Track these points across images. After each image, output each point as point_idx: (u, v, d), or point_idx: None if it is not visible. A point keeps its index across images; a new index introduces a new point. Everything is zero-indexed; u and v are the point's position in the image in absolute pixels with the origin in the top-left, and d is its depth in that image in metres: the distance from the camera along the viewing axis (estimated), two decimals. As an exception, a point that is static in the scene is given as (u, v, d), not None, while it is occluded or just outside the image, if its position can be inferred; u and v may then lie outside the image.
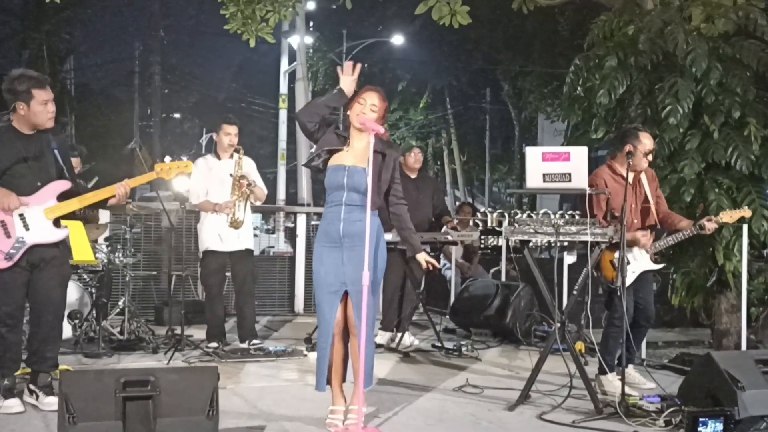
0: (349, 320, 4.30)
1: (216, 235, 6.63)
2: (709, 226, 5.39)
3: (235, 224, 6.58)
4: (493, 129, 33.73)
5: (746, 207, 5.88)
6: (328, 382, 4.39)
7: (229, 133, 6.67)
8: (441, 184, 19.89)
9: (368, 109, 4.32)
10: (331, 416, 4.37)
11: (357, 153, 4.33)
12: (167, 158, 4.85)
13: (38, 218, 4.53)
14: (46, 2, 7.76)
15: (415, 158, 7.39)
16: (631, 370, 5.57)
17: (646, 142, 5.41)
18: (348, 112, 4.40)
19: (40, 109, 4.50)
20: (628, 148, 5.32)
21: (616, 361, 5.39)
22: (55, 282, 4.67)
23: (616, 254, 5.22)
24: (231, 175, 6.59)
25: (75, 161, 6.58)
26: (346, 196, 4.28)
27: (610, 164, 5.57)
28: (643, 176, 5.55)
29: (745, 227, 6.24)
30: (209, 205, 6.64)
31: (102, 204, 4.85)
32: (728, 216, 5.53)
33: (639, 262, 5.42)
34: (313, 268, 4.41)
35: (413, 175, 7.40)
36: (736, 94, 6.43)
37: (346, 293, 4.32)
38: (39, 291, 4.61)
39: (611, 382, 5.31)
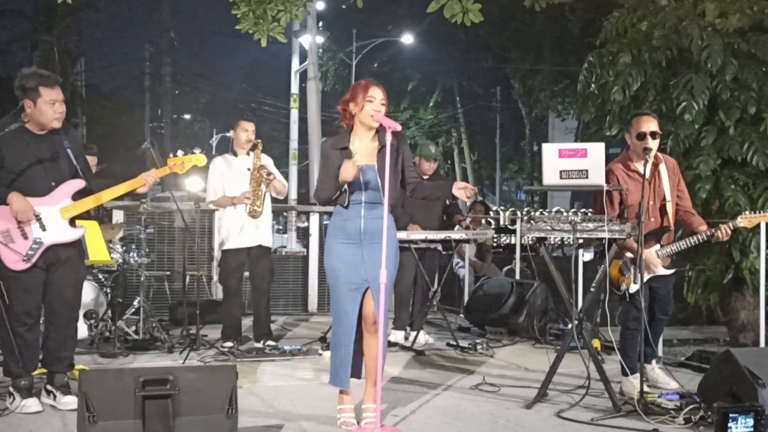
0: (367, 317, 4.25)
1: (237, 229, 6.60)
2: (719, 235, 5.17)
3: (254, 213, 6.55)
4: (503, 128, 33.70)
5: (766, 212, 5.69)
6: (354, 375, 4.35)
7: (247, 130, 6.68)
8: (452, 183, 19.86)
9: (379, 105, 4.26)
10: (343, 415, 4.34)
11: (366, 151, 4.29)
12: (179, 152, 4.84)
13: (54, 218, 4.54)
14: (57, 3, 7.79)
15: (429, 167, 7.36)
16: (654, 367, 5.51)
17: (641, 125, 5.19)
18: (354, 110, 4.29)
19: (46, 108, 4.49)
20: (627, 140, 5.30)
21: (637, 363, 5.28)
22: (70, 282, 4.67)
23: (626, 255, 5.17)
24: (248, 169, 6.59)
25: (92, 159, 6.61)
26: (364, 194, 4.24)
27: (623, 160, 5.39)
28: (663, 169, 5.33)
29: (762, 223, 6.18)
30: (227, 200, 6.63)
31: (123, 197, 4.85)
32: (747, 221, 5.27)
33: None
34: (328, 263, 4.33)
35: (426, 176, 7.37)
36: (752, 90, 6.39)
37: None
38: (54, 291, 4.61)
39: (632, 383, 5.16)
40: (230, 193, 6.64)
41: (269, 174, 6.54)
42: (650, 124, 5.22)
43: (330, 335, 4.40)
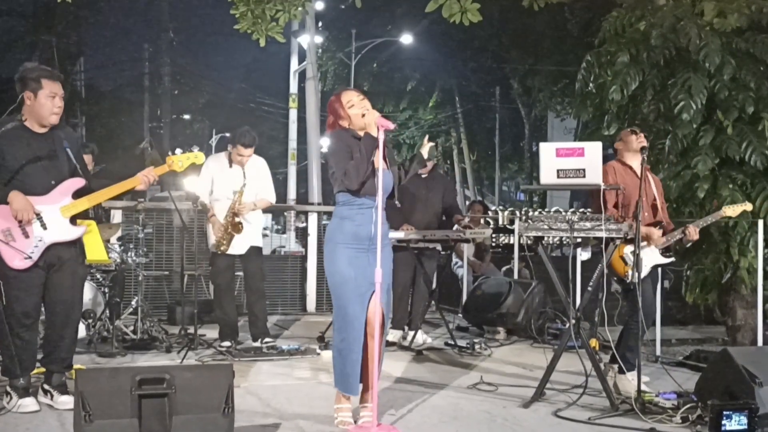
0: (371, 320, 4.22)
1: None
2: (688, 232, 5.34)
3: (220, 250, 6.60)
4: (502, 128, 33.69)
5: (747, 202, 5.77)
6: (360, 380, 4.31)
7: (242, 155, 6.67)
8: (451, 183, 19.91)
9: (360, 103, 4.24)
10: (340, 414, 4.33)
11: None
12: (178, 150, 4.83)
13: (55, 217, 4.53)
14: (57, 3, 7.79)
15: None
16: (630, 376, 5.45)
17: (628, 131, 5.50)
18: (345, 124, 4.29)
19: (46, 101, 4.48)
20: (618, 145, 5.50)
21: (635, 359, 5.25)
22: (71, 282, 4.67)
23: (626, 249, 5.19)
24: (234, 193, 6.59)
25: (87, 158, 6.61)
26: (378, 199, 4.13)
27: (618, 159, 5.55)
28: (650, 177, 5.50)
29: (760, 223, 6.20)
30: (210, 209, 6.74)
31: (121, 196, 4.86)
32: (731, 210, 5.51)
33: (649, 256, 5.34)
34: (334, 269, 4.25)
35: (424, 174, 7.35)
36: (750, 89, 6.40)
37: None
38: (55, 291, 4.61)
39: (630, 381, 5.14)
40: (218, 192, 6.70)
41: (240, 223, 6.56)
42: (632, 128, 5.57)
43: (334, 339, 4.35)
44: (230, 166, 6.74)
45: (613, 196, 5.28)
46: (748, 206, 5.64)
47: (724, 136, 6.43)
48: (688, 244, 5.53)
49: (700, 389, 4.71)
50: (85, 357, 6.04)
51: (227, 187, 6.65)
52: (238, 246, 6.65)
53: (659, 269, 5.60)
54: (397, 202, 4.32)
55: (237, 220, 6.55)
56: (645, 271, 5.32)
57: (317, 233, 9.69)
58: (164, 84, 33.03)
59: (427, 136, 4.48)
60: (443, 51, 28.71)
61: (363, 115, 4.22)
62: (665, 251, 5.45)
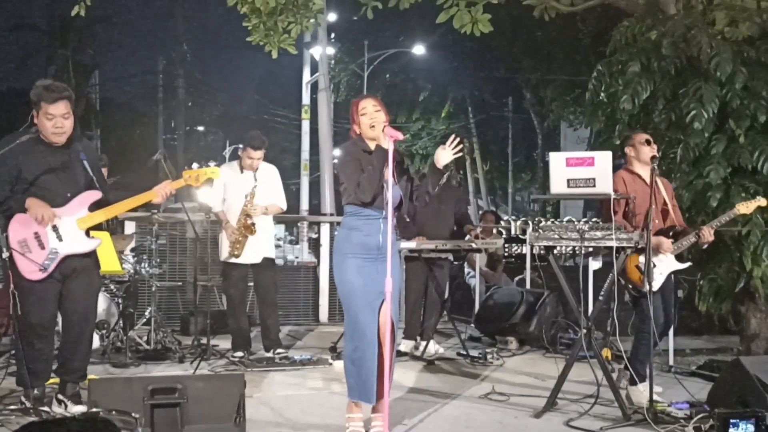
0: (382, 328, 4.24)
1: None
2: (703, 234, 5.30)
3: (234, 254, 6.65)
4: (515, 138, 33.66)
5: (759, 197, 5.70)
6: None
7: (252, 158, 6.72)
8: (464, 193, 19.82)
9: (373, 113, 4.27)
10: (352, 424, 4.33)
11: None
12: (195, 165, 4.88)
13: (71, 229, 4.58)
14: (71, 17, 7.87)
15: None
16: (641, 387, 5.35)
17: (641, 135, 5.56)
18: (358, 130, 4.33)
19: (46, 122, 4.51)
20: (630, 152, 5.50)
21: (647, 370, 5.15)
22: (86, 293, 4.71)
23: (641, 258, 5.17)
24: (246, 196, 6.64)
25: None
26: (385, 209, 4.16)
27: (625, 168, 5.57)
28: (659, 182, 5.46)
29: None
30: (224, 216, 6.77)
31: (136, 209, 4.91)
32: (745, 207, 5.45)
33: (665, 263, 5.32)
34: (343, 279, 4.28)
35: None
36: (762, 98, 6.35)
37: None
38: (70, 301, 4.65)
39: (642, 393, 5.10)
40: (230, 199, 6.75)
41: (253, 224, 6.61)
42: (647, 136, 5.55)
43: (345, 349, 4.36)
44: (242, 172, 6.80)
45: (621, 205, 5.27)
46: (762, 202, 5.55)
47: (736, 145, 6.39)
48: (704, 246, 5.49)
49: (713, 399, 4.70)
50: (99, 367, 6.08)
51: (239, 192, 6.69)
52: (252, 254, 6.68)
53: (672, 277, 5.56)
54: (406, 217, 4.33)
55: (250, 221, 6.59)
56: (662, 278, 5.30)
57: (330, 244, 9.72)
58: (178, 96, 33.22)
59: (453, 135, 4.48)
60: (455, 61, 28.75)
61: (372, 127, 4.25)
62: (680, 256, 5.43)
